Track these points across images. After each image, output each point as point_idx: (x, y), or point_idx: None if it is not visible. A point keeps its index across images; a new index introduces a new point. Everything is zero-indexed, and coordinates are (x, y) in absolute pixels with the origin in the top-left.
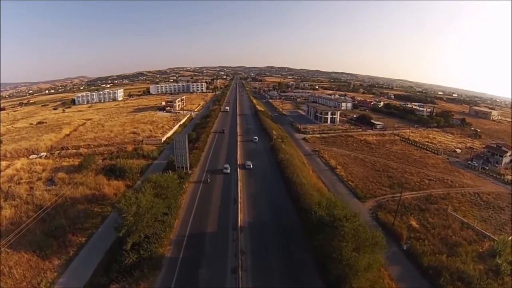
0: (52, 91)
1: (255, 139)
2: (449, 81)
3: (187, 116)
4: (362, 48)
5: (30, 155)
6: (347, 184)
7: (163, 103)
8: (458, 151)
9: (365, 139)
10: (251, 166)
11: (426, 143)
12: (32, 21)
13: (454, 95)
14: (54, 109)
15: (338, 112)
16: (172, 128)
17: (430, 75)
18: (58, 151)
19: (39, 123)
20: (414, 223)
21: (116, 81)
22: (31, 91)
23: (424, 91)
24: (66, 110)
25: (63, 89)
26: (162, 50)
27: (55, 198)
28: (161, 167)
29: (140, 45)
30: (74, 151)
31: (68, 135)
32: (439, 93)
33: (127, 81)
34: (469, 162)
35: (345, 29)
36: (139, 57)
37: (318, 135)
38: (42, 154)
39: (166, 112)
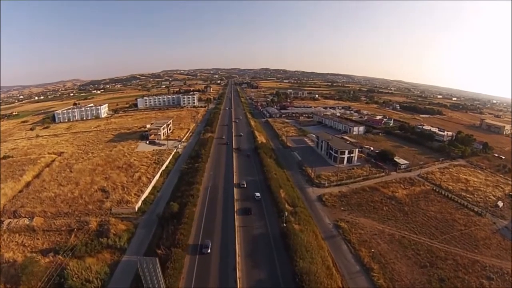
0: (42, 97)
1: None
2: (444, 81)
3: (172, 153)
4: (358, 49)
5: None
6: None
7: (148, 126)
8: (500, 204)
9: (394, 195)
10: None
11: (463, 194)
12: (27, 23)
13: (453, 98)
14: (31, 129)
15: (356, 150)
16: (151, 181)
17: (425, 76)
18: (9, 220)
19: (4, 157)
20: None
21: (108, 86)
22: (21, 97)
23: (422, 94)
24: (42, 133)
25: (53, 95)
26: (157, 52)
27: None
28: (130, 274)
29: (135, 47)
30: (27, 223)
31: (28, 184)
32: (438, 96)
33: (119, 85)
34: None
35: (341, 31)
36: (133, 59)
37: (337, 190)
38: None
39: (149, 143)
